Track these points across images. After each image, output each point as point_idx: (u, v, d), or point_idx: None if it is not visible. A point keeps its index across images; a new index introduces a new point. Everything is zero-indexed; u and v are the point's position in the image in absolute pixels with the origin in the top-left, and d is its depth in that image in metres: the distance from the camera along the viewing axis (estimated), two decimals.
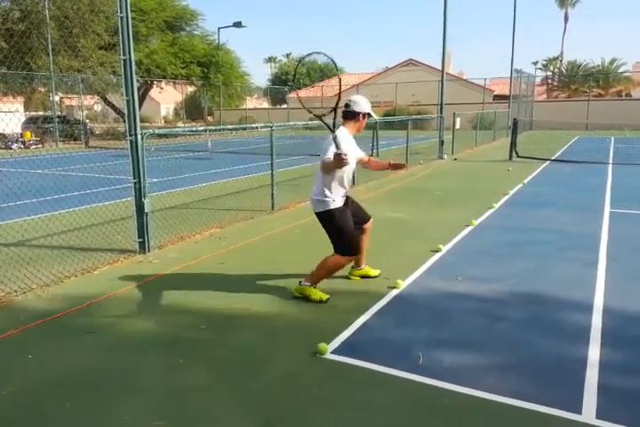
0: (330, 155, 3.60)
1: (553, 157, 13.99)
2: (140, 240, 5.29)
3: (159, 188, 9.29)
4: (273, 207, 7.46)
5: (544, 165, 12.55)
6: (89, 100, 42.47)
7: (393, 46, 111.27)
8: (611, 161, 13.09)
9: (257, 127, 6.83)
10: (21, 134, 22.11)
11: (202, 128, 6.31)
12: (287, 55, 65.44)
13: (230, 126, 8.47)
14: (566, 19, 51.51)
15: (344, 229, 3.91)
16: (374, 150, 15.46)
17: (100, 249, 5.39)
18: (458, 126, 16.13)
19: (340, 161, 3.41)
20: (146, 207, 5.24)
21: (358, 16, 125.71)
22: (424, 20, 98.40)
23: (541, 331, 3.40)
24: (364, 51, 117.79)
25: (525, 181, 9.89)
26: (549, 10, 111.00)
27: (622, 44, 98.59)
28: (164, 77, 29.60)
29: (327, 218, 3.94)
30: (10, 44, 20.59)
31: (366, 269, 4.53)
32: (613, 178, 10.22)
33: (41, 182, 9.84)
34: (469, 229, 6.21)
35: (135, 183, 5.19)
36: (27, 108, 30.22)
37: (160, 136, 16.84)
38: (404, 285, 4.26)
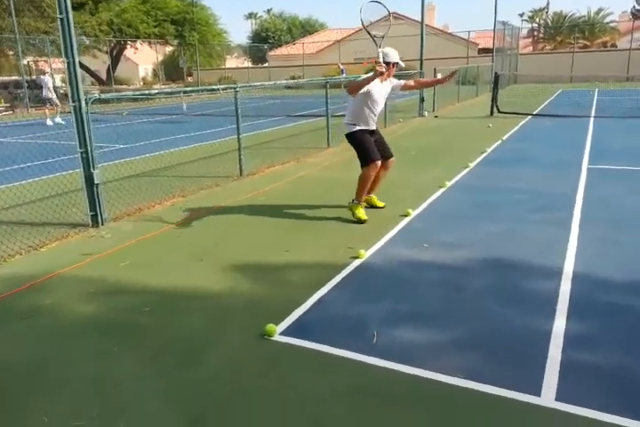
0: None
1: (535, 112, 13.65)
2: (93, 213, 4.99)
3: (124, 154, 8.91)
4: (241, 173, 7.14)
5: (525, 120, 12.23)
6: (60, 64, 40.91)
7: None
8: (592, 114, 12.79)
9: (219, 89, 6.39)
10: None
11: (155, 91, 5.87)
12: (268, 11, 62.73)
13: (189, 88, 8.00)
14: None
15: (362, 144, 4.90)
16: None
17: (50, 223, 5.08)
18: None
19: (378, 67, 4.34)
20: (96, 178, 4.91)
21: None
22: None
23: (505, 301, 3.22)
24: (346, 5, 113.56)
25: (504, 138, 9.60)
26: None
27: None
28: (137, 37, 28.34)
29: (351, 137, 4.98)
30: None
31: (374, 197, 5.33)
32: (594, 132, 9.96)
33: (2, 152, 9.38)
34: (442, 190, 5.97)
35: (82, 153, 4.83)
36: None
37: (105, 101, 15.38)
38: (367, 254, 4.04)
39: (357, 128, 4.90)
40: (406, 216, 5.01)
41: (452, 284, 3.49)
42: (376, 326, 2.94)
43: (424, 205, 5.38)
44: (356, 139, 4.93)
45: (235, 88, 6.95)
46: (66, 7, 4.48)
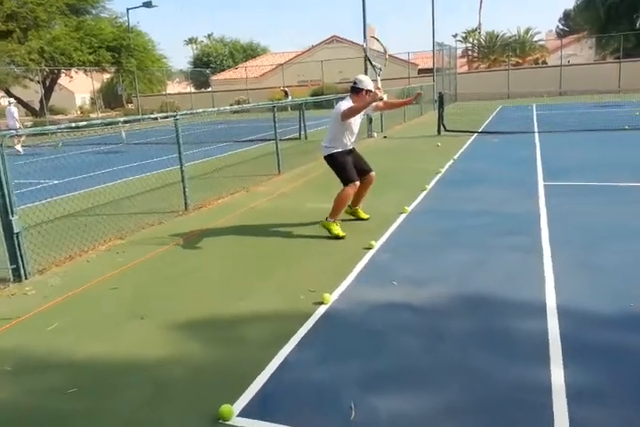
0: (346, 106, 5.00)
1: (480, 129, 13.80)
2: (14, 267, 4.34)
3: (58, 191, 8.18)
4: (186, 207, 6.60)
5: (472, 137, 12.29)
6: None
7: (317, 24, 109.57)
8: (536, 129, 13.03)
9: (157, 118, 5.89)
10: None
11: (83, 123, 5.31)
12: (209, 36, 62.53)
13: (122, 118, 7.42)
14: None
15: (342, 165, 5.15)
16: (302, 132, 14.74)
17: None
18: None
19: (374, 95, 4.86)
20: (15, 226, 4.28)
21: None
22: None
23: (492, 349, 2.85)
24: (287, 29, 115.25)
25: (456, 157, 9.51)
26: None
27: (535, 14, 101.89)
28: (71, 65, 27.28)
29: (330, 160, 5.23)
30: None
31: (358, 210, 5.60)
32: (542, 147, 10.04)
33: None
34: (403, 217, 5.66)
35: None
36: None
37: (41, 133, 14.87)
38: (332, 298, 3.61)
39: (335, 151, 5.16)
40: (370, 249, 4.63)
41: (431, 330, 3.10)
42: (352, 393, 2.50)
43: (387, 235, 5.03)
44: (334, 161, 5.18)
45: (174, 116, 6.46)
46: None
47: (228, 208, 6.62)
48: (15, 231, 4.28)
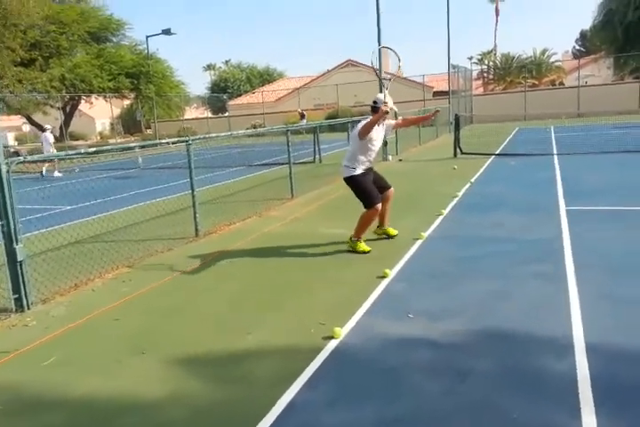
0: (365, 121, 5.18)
1: (497, 151, 13.59)
2: (16, 296, 4.22)
3: (69, 217, 8.15)
4: (197, 233, 6.47)
5: (489, 160, 12.08)
6: (17, 121, 39.89)
7: (331, 47, 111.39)
8: (555, 151, 12.77)
9: (169, 143, 5.83)
10: None
11: (92, 150, 5.28)
12: (226, 62, 63.83)
13: (134, 144, 7.40)
14: (497, 12, 52.54)
15: (364, 187, 5.24)
16: (316, 155, 14.69)
17: None
18: None
19: (383, 111, 4.95)
20: (19, 255, 4.17)
21: (296, 20, 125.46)
22: (360, 21, 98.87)
23: (517, 391, 2.61)
24: (303, 54, 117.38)
25: (473, 180, 9.30)
26: (480, 4, 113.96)
27: (551, 35, 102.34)
28: (91, 91, 27.89)
29: (351, 182, 5.30)
30: None
31: (387, 228, 5.73)
32: (561, 170, 9.78)
33: None
34: (418, 243, 5.45)
35: (2, 226, 4.12)
36: None
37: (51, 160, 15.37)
38: (343, 333, 3.40)
39: (357, 172, 5.22)
40: (384, 277, 4.43)
41: (450, 369, 2.87)
42: None
43: (402, 263, 4.82)
44: (356, 182, 5.24)
45: (187, 141, 6.40)
46: None
47: (240, 234, 6.48)
48: (19, 260, 4.17)
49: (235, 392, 2.80)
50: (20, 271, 4.20)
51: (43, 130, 17.42)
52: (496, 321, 3.44)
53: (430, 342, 3.21)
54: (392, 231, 5.72)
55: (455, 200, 7.58)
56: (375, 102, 5.25)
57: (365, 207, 5.20)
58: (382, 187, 5.45)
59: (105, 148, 5.32)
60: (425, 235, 5.68)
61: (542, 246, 5.04)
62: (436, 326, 3.41)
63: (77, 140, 40.47)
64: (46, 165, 15.70)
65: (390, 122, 5.54)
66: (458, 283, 4.20)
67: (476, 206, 7.10)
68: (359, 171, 5.22)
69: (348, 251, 5.25)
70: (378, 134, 5.28)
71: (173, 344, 3.44)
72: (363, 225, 5.19)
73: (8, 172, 4.12)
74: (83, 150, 4.99)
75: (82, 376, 3.10)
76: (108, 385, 2.96)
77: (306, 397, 2.70)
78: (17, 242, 4.16)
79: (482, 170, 10.58)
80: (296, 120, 28.22)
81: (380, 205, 5.17)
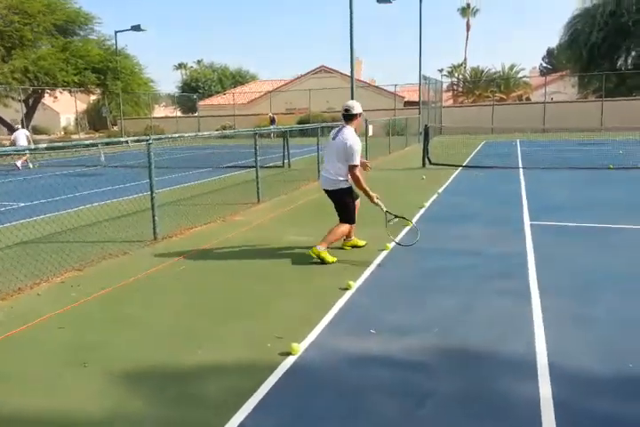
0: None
1: (465, 163, 13.72)
2: None
3: (22, 215, 7.76)
4: (155, 237, 6.21)
5: (457, 171, 12.16)
6: None
7: (306, 53, 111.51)
8: (520, 165, 12.97)
9: (127, 141, 5.58)
10: None
11: (43, 146, 4.98)
12: (198, 62, 62.98)
13: (86, 142, 7.08)
14: (468, 27, 53.64)
15: (349, 203, 5.24)
16: (285, 160, 14.51)
17: None
18: (371, 133, 15.57)
19: (377, 199, 5.28)
20: None
21: (270, 22, 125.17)
22: (334, 27, 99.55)
23: (479, 417, 2.50)
24: (277, 58, 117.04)
25: (440, 191, 9.30)
26: (452, 18, 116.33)
27: (519, 51, 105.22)
28: (55, 85, 26.99)
29: (343, 193, 5.21)
30: None
31: (354, 240, 5.58)
32: (527, 184, 9.89)
33: None
34: (384, 254, 5.35)
35: None
36: None
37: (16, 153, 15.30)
38: (301, 348, 3.24)
39: (348, 185, 5.21)
40: (347, 289, 4.29)
41: (411, 391, 2.74)
42: None
43: (366, 274, 4.70)
44: (346, 196, 5.22)
45: (147, 140, 6.15)
46: None
47: (201, 239, 6.25)
48: None
49: (180, 413, 2.60)
50: None
51: (14, 130, 17.71)
52: (459, 340, 3.34)
53: (391, 360, 3.08)
54: (360, 242, 5.61)
55: (422, 211, 7.53)
56: (347, 110, 5.18)
57: (342, 221, 5.20)
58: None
59: (57, 144, 5.01)
60: (390, 246, 5.58)
61: (507, 261, 5.00)
62: (399, 344, 3.29)
63: (41, 134, 39.14)
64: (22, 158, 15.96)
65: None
66: (422, 297, 4.10)
67: (441, 218, 7.06)
68: (349, 184, 5.21)
69: (312, 261, 5.09)
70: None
71: (119, 357, 3.21)
72: (334, 238, 5.14)
73: None
74: (41, 146, 4.68)
75: (16, 392, 2.84)
76: (42, 404, 2.71)
77: (257, 419, 2.52)
78: None
79: (449, 181, 10.62)
80: (267, 124, 28.07)
81: (354, 226, 5.38)
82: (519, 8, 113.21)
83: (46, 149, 4.68)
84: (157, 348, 3.33)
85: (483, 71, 44.88)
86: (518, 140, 21.68)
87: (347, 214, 5.22)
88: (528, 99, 42.32)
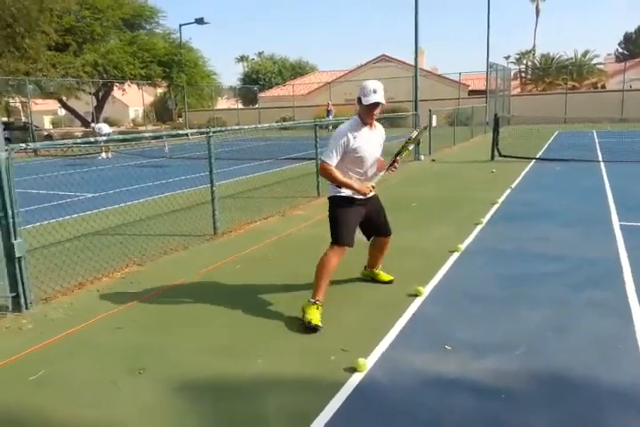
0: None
1: (538, 155, 12.86)
2: (13, 295, 3.87)
3: (89, 206, 7.89)
4: (215, 231, 6.07)
5: (530, 164, 11.39)
6: (52, 105, 40.31)
7: (366, 43, 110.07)
8: (600, 158, 12.00)
9: (187, 134, 5.44)
10: None
11: (102, 139, 4.92)
12: (259, 54, 63.50)
13: (148, 134, 7.07)
14: (537, 12, 50.98)
15: (338, 216, 3.68)
16: None
17: None
18: (434, 124, 14.92)
19: (367, 189, 3.62)
20: (17, 250, 3.81)
21: (330, 13, 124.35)
22: (396, 16, 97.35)
23: None
24: (337, 48, 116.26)
25: (513, 186, 8.67)
26: (520, 3, 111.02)
27: (594, 37, 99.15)
28: (123, 78, 27.85)
29: (330, 204, 3.76)
30: None
31: (378, 271, 4.28)
32: (610, 179, 9.06)
33: None
34: (455, 256, 4.93)
35: (0, 218, 3.76)
36: None
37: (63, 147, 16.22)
38: (369, 364, 2.93)
39: (341, 193, 3.65)
40: (416, 296, 3.93)
41: (496, 424, 2.38)
42: None
43: (437, 279, 4.31)
44: (333, 206, 3.70)
45: (207, 133, 6.00)
46: None
47: (260, 234, 6.04)
48: (17, 256, 3.82)
49: None
50: (18, 268, 3.85)
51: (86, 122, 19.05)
52: (549, 362, 2.92)
53: (472, 384, 2.71)
54: (385, 276, 4.21)
55: (495, 208, 6.99)
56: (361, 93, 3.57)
57: (332, 242, 3.66)
58: (378, 230, 3.98)
59: (115, 137, 4.93)
60: (462, 247, 5.14)
61: (597, 267, 4.46)
62: (479, 364, 2.91)
63: (112, 126, 40.72)
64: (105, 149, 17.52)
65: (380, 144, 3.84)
66: (502, 309, 3.68)
67: (519, 216, 6.50)
68: (345, 193, 3.63)
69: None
70: (370, 146, 3.65)
71: (176, 363, 3.02)
72: (321, 274, 3.56)
73: (8, 158, 3.75)
74: (94, 139, 4.62)
75: (67, 399, 2.70)
76: (94, 414, 2.56)
77: None
78: (15, 237, 3.80)
79: (523, 175, 9.92)
80: (324, 115, 27.72)
81: (345, 249, 3.62)
82: None
83: (116, 140, 4.59)
84: (215, 354, 3.12)
85: (553, 58, 42.48)
86: (595, 131, 20.25)
87: (335, 232, 3.65)
88: (603, 87, 39.64)
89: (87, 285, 4.46)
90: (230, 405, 2.60)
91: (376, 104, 3.54)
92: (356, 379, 2.79)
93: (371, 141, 3.67)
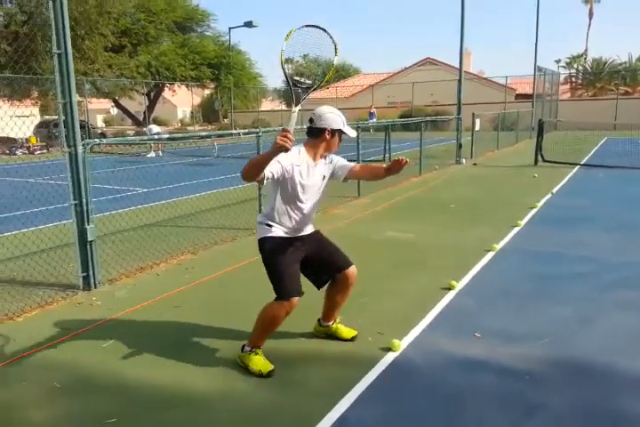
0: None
1: (583, 162, 12.73)
2: (84, 275, 4.34)
3: (143, 200, 8.41)
4: None
5: (574, 170, 11.32)
6: (105, 104, 42.17)
7: (410, 45, 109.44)
8: None
9: (239, 133, 5.84)
10: (27, 139, 21.47)
11: (165, 137, 5.37)
12: (304, 56, 64.42)
13: (205, 133, 7.50)
14: (590, 15, 49.54)
15: (274, 262, 2.96)
16: (386, 154, 14.41)
17: (39, 284, 4.45)
18: (477, 128, 14.95)
19: (280, 139, 2.47)
20: (90, 235, 4.27)
21: (374, 15, 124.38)
22: (442, 18, 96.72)
23: None
24: (381, 50, 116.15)
25: (554, 191, 8.72)
26: (573, 5, 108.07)
27: None
28: (174, 79, 28.89)
29: (261, 250, 3.03)
30: (13, 48, 19.97)
31: (334, 327, 3.34)
32: None
33: (25, 193, 9.02)
34: (490, 255, 5.12)
35: (76, 205, 4.23)
36: (45, 112, 29.54)
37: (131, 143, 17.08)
38: (402, 346, 3.21)
39: (271, 233, 2.98)
40: (450, 290, 4.17)
41: (519, 401, 2.61)
42: None
43: (470, 275, 4.54)
44: (266, 253, 3.00)
45: (257, 133, 6.39)
46: (65, 41, 3.98)
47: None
48: (89, 239, 4.28)
49: (285, 398, 2.69)
50: (89, 251, 4.31)
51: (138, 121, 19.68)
52: (574, 351, 3.12)
53: (498, 366, 2.95)
54: (346, 332, 3.33)
55: (534, 211, 7.10)
56: (311, 120, 3.01)
57: (276, 296, 2.94)
58: (335, 266, 3.14)
59: (178, 135, 5.38)
60: (498, 247, 5.33)
61: (630, 271, 4.57)
62: (506, 350, 3.14)
63: (160, 126, 42.22)
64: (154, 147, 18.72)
65: (344, 163, 3.14)
66: (532, 303, 3.88)
67: (556, 220, 6.61)
68: (276, 232, 2.98)
69: (411, 259, 5.00)
70: (310, 179, 2.97)
71: (229, 336, 3.38)
72: (263, 326, 2.98)
73: (84, 152, 4.22)
74: (156, 137, 5.06)
75: (134, 364, 3.09)
76: (157, 376, 2.93)
77: (359, 412, 2.54)
78: (88, 222, 4.27)
79: (565, 180, 9.92)
80: (366, 117, 27.93)
81: (295, 301, 2.89)
82: None
83: (168, 139, 5.02)
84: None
85: (606, 62, 41.23)
86: None
87: (275, 284, 2.95)
88: None
89: (147, 269, 4.90)
90: (276, 373, 2.92)
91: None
92: (390, 357, 3.07)
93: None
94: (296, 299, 2.90)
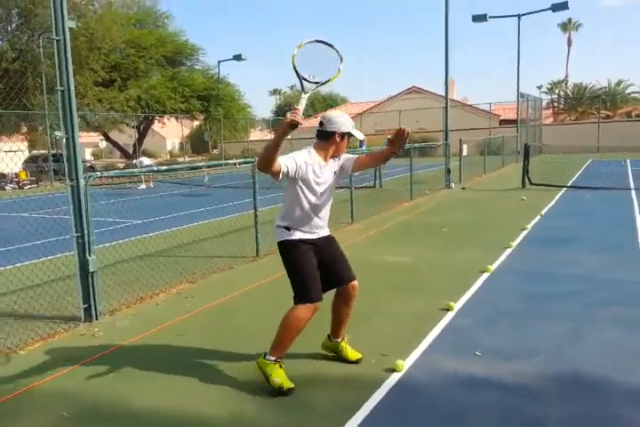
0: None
1: (569, 184, 13.03)
2: (86, 306, 4.37)
3: (138, 231, 8.46)
4: (257, 253, 6.53)
5: (561, 192, 11.58)
6: (94, 138, 42.48)
7: (396, 75, 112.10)
8: (632, 186, 12.09)
9: (235, 163, 5.99)
10: (16, 174, 21.51)
11: (164, 168, 5.50)
12: (291, 87, 65.66)
13: (201, 163, 7.64)
14: (569, 42, 51.38)
15: (297, 266, 3.08)
16: (376, 180, 14.64)
17: (40, 317, 4.46)
18: (465, 153, 15.28)
19: (291, 115, 2.67)
20: (91, 266, 4.33)
21: (359, 47, 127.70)
22: (427, 48, 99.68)
23: None
24: (367, 80, 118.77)
25: (543, 213, 8.91)
26: (551, 33, 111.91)
27: (628, 66, 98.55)
28: (164, 112, 29.30)
29: (280, 252, 3.18)
30: (3, 83, 20.26)
31: (342, 345, 3.40)
32: None
33: (18, 228, 9.03)
34: (485, 276, 5.23)
35: (78, 237, 4.30)
36: (33, 147, 29.65)
37: (125, 176, 17.24)
38: (406, 366, 3.27)
39: (292, 237, 3.11)
40: (448, 310, 4.26)
41: (520, 417, 2.68)
42: None
43: (467, 296, 4.63)
44: (286, 255, 3.12)
45: (252, 162, 6.54)
46: (68, 79, 4.13)
47: None
48: (91, 271, 4.33)
49: (293, 421, 2.73)
50: (90, 282, 4.35)
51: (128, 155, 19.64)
52: (570, 367, 3.20)
53: (499, 383, 3.02)
54: (351, 354, 3.37)
55: (524, 233, 7.26)
56: (321, 124, 3.12)
57: (295, 300, 3.05)
58: (339, 276, 3.23)
59: (176, 166, 5.51)
60: (492, 268, 5.45)
61: (619, 289, 4.69)
62: (506, 367, 3.21)
63: (150, 157, 42.51)
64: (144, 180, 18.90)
65: (351, 157, 3.27)
66: (528, 322, 3.97)
67: (547, 241, 6.76)
68: (297, 235, 3.11)
69: (409, 282, 5.09)
70: (322, 177, 3.12)
71: (234, 363, 3.42)
72: (286, 332, 3.04)
73: (86, 185, 4.32)
74: (157, 168, 5.17)
75: (143, 390, 3.12)
76: (164, 402, 2.96)
77: None
78: (90, 253, 4.33)
79: (553, 202, 10.14)
80: (356, 145, 28.38)
81: (319, 305, 3.02)
82: (624, 20, 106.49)
83: (167, 170, 5.16)
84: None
85: (586, 87, 42.53)
86: (629, 160, 20.20)
87: (298, 287, 3.05)
88: (638, 116, 39.36)
89: (147, 299, 4.93)
90: (281, 395, 2.96)
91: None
92: (395, 377, 3.13)
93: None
94: (320, 303, 3.01)
